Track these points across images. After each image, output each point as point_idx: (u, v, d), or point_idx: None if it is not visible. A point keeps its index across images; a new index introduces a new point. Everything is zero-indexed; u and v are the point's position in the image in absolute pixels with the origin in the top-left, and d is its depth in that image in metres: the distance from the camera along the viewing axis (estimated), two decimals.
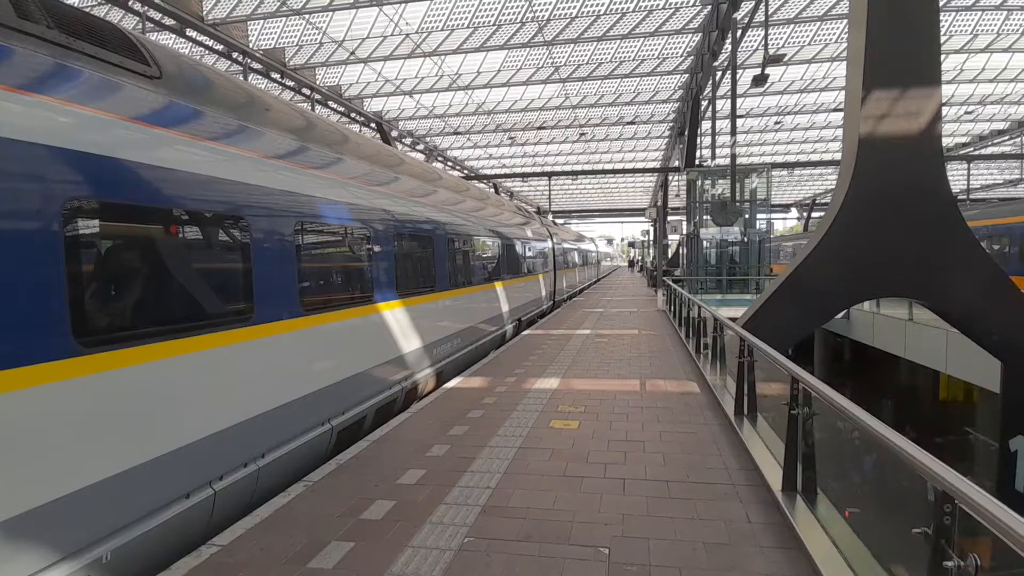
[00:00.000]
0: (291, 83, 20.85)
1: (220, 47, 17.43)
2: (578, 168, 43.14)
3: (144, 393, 3.38)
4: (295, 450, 4.81)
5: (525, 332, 13.41)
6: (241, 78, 14.76)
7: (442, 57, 21.32)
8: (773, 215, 35.44)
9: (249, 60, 18.35)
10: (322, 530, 3.67)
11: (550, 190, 38.58)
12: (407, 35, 19.27)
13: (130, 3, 14.16)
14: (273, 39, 19.40)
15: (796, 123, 33.41)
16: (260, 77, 19.54)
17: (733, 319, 8.38)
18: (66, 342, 2.91)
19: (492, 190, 27.11)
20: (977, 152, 35.83)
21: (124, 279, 3.48)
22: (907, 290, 10.03)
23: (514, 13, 18.79)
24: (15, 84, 2.81)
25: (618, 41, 21.16)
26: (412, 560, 3.28)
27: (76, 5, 4.21)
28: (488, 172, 41.11)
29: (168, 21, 15.68)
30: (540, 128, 32.10)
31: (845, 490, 3.53)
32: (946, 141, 30.03)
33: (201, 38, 16.80)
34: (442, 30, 19.42)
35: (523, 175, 36.90)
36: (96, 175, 3.15)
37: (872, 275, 9.45)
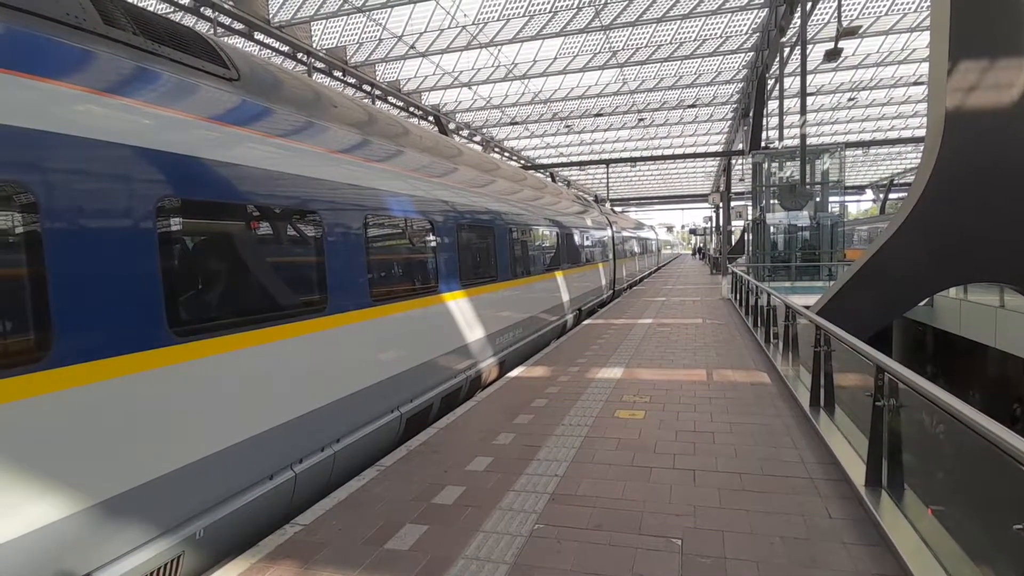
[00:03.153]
0: (352, 80, 21.40)
1: (285, 48, 18.06)
2: (637, 155, 42.35)
3: (231, 380, 3.57)
4: (367, 436, 4.98)
5: (586, 321, 13.32)
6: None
7: (498, 47, 21.33)
8: (846, 198, 33.67)
9: (313, 60, 18.94)
10: (396, 513, 3.78)
11: (608, 178, 38.12)
12: (463, 27, 19.37)
13: (201, 9, 14.87)
14: (335, 38, 19.94)
15: (872, 99, 31.56)
16: (323, 76, 20.15)
17: (806, 307, 8.04)
18: (161, 332, 3.10)
19: (549, 179, 27.01)
20: None
21: (211, 272, 3.67)
22: (997, 274, 9.36)
23: None
24: (104, 88, 2.96)
25: (678, 22, 20.54)
26: (484, 545, 3.34)
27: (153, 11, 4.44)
28: (545, 161, 40.95)
29: (237, 25, 16.38)
30: (597, 115, 31.66)
31: (930, 487, 3.34)
32: None
33: (267, 40, 17.46)
34: (498, 20, 19.42)
35: (580, 163, 36.60)
36: (187, 174, 3.32)
37: (959, 259, 8.86)
